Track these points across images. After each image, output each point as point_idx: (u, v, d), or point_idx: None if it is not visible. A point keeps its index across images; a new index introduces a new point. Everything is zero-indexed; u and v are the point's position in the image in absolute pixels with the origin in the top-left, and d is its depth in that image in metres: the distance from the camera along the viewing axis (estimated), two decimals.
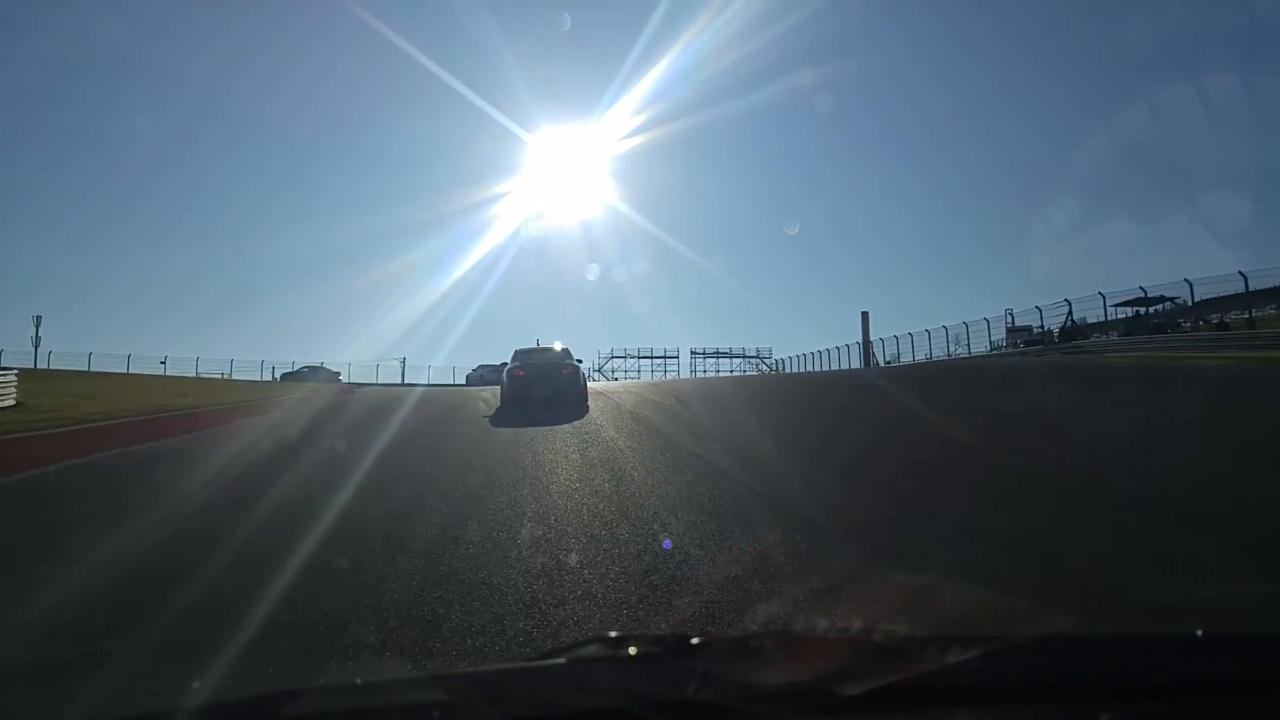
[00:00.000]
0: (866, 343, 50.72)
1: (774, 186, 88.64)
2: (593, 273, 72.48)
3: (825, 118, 79.38)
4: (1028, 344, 34.14)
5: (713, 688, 0.91)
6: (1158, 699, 0.97)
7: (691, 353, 70.63)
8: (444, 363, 55.40)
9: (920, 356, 46.22)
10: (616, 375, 67.27)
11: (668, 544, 3.45)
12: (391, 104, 73.31)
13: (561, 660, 1.03)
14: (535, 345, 19.11)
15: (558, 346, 15.92)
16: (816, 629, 1.07)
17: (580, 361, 15.28)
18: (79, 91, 68.83)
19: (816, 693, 0.89)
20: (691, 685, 0.91)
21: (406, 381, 51.38)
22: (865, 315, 53.11)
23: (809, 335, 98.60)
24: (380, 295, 78.03)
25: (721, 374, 65.95)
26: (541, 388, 13.57)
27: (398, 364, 55.06)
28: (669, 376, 65.31)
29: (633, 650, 0.99)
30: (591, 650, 1.03)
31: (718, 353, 71.10)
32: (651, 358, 70.40)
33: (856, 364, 49.11)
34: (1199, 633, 1.05)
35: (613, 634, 1.00)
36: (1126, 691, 0.96)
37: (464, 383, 39.18)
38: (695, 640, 0.99)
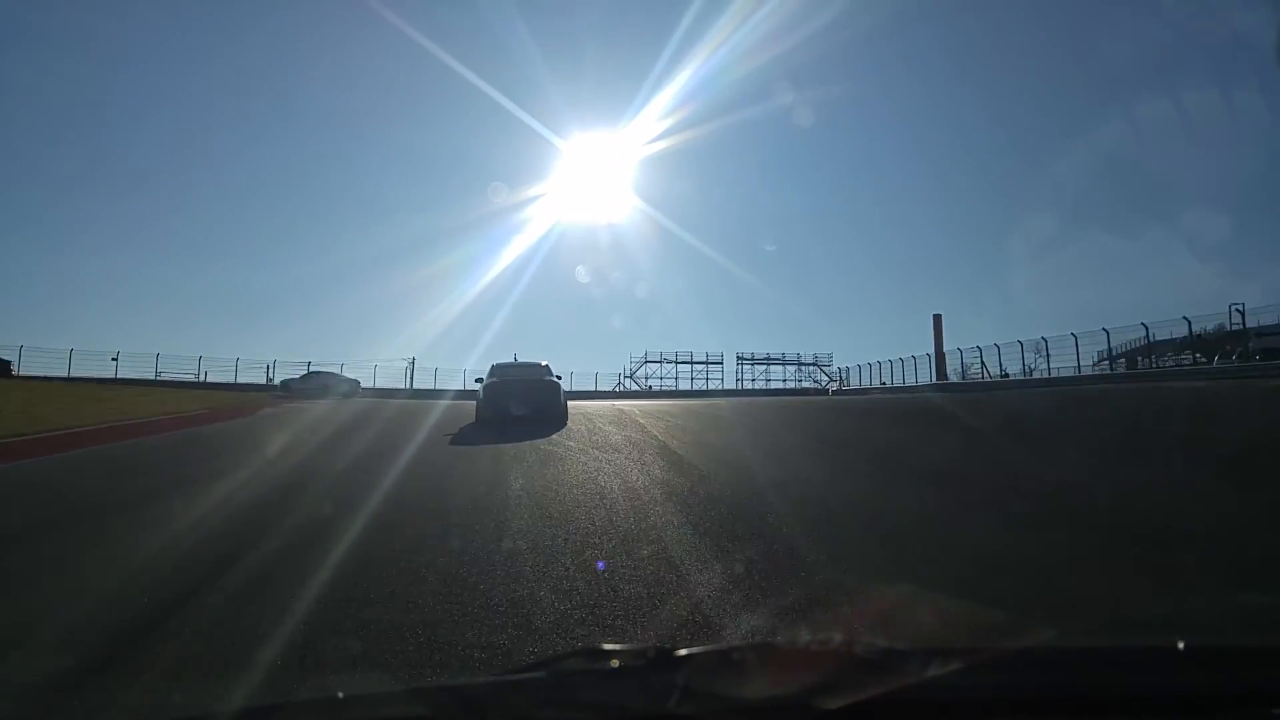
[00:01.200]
0: (939, 354, 46.52)
1: (818, 187, 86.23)
2: (622, 277, 70.38)
3: (870, 112, 77.36)
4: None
5: (694, 701, 0.91)
6: (1140, 712, 0.97)
7: (738, 358, 64.32)
8: (475, 366, 52.55)
9: (994, 371, 42.07)
10: (650, 383, 62.14)
11: (601, 565, 3.33)
12: (427, 110, 74.28)
13: (542, 674, 1.03)
14: (514, 360, 18.42)
15: (544, 363, 15.71)
16: (798, 641, 1.06)
17: (559, 378, 14.94)
18: (120, 92, 71.24)
19: (798, 706, 0.89)
20: (673, 698, 0.91)
21: (425, 386, 48.34)
22: (938, 320, 49.00)
23: (869, 340, 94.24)
24: (414, 299, 78.08)
25: (773, 384, 61.60)
26: (521, 404, 13.18)
27: (413, 367, 51.74)
28: (711, 385, 61.08)
29: (614, 663, 0.99)
30: (573, 663, 1.04)
31: (768, 359, 64.89)
32: (692, 363, 63.80)
33: (928, 377, 45.45)
34: (1180, 645, 1.04)
35: (594, 647, 1.01)
36: (1108, 704, 0.97)
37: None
38: (677, 653, 0.99)
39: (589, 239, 68.84)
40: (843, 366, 62.48)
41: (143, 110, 70.85)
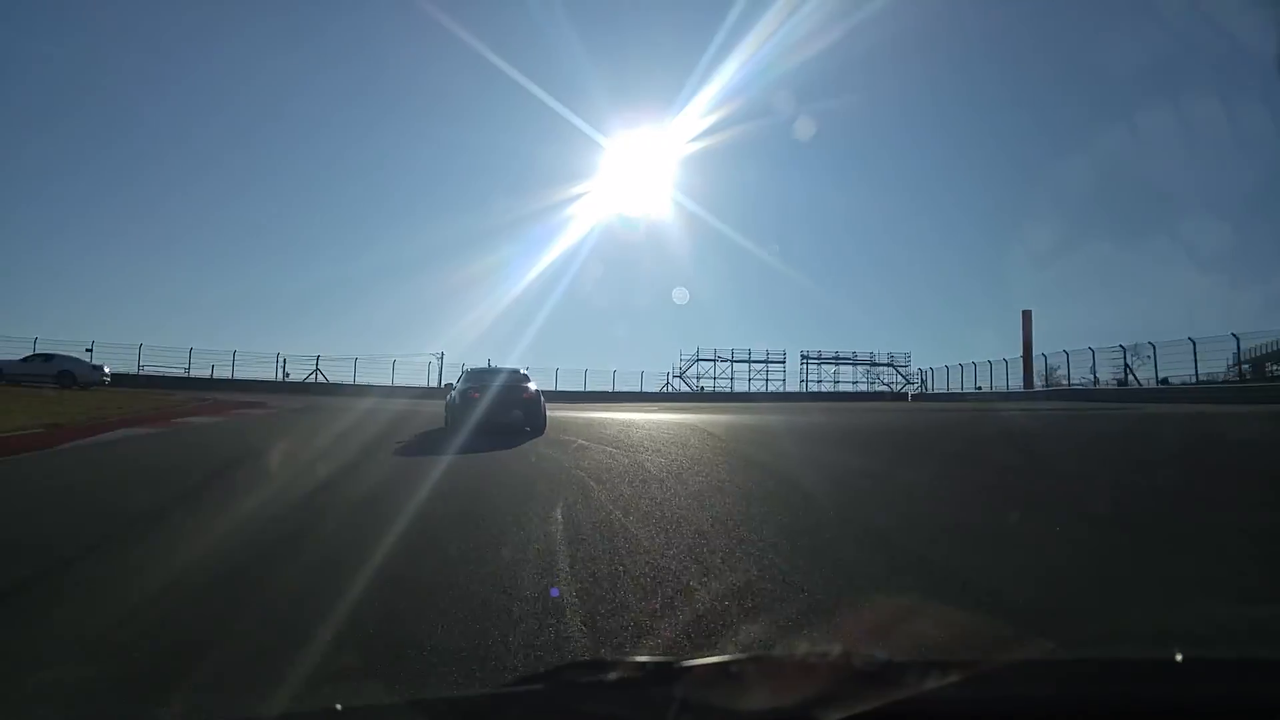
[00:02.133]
0: (1028, 356, 42.63)
1: (877, 182, 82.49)
2: (667, 274, 68.40)
3: (943, 103, 74.07)
4: None
5: (693, 713, 0.91)
6: None
7: (802, 357, 57.87)
8: (515, 364, 52.67)
9: (1080, 378, 38.45)
10: (701, 384, 56.29)
11: (555, 592, 3.22)
12: (470, 109, 74.32)
13: (540, 686, 1.04)
14: (488, 365, 17.92)
15: (522, 369, 15.18)
16: (796, 654, 1.06)
17: (539, 389, 14.16)
18: (171, 93, 70.27)
19: (797, 718, 0.89)
20: (671, 711, 0.91)
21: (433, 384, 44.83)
22: (1027, 317, 44.92)
23: (927, 339, 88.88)
24: (456, 299, 77.34)
25: (841, 387, 56.38)
26: (500, 412, 12.48)
27: (441, 363, 47.48)
28: (772, 386, 55.82)
29: (613, 675, 0.99)
30: (572, 675, 1.05)
31: (836, 358, 58.62)
32: (749, 362, 57.47)
33: (1016, 382, 42.26)
34: (1179, 657, 1.03)
35: (593, 659, 1.03)
36: (1106, 717, 0.96)
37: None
38: (676, 665, 1.00)
39: (634, 236, 67.42)
40: (921, 368, 56.84)
41: (191, 109, 71.38)
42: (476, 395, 12.75)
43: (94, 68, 66.94)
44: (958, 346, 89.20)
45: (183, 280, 72.39)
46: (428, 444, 10.34)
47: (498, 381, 13.49)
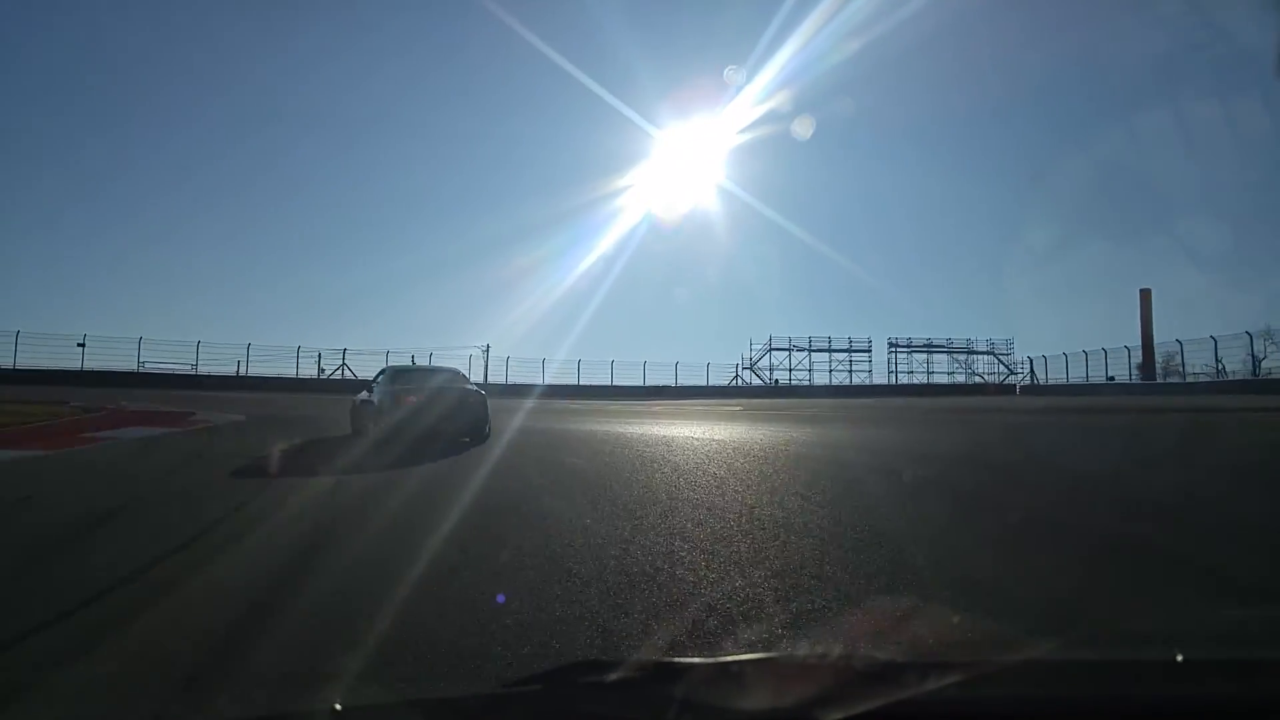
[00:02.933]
0: (1148, 342, 38.36)
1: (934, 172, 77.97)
2: (726, 265, 65.30)
3: (1024, 76, 69.60)
4: None
5: (692, 714, 0.91)
6: None
7: (890, 345, 51.87)
8: (566, 357, 46.20)
9: (1201, 367, 34.49)
10: (775, 376, 51.26)
11: (501, 598, 3.10)
12: (521, 100, 73.88)
13: (540, 686, 1.04)
14: (413, 364, 15.29)
15: (457, 368, 13.65)
16: (797, 654, 1.06)
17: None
18: (227, 94, 70.86)
19: (797, 718, 0.89)
20: (671, 711, 0.91)
21: (496, 380, 41.66)
22: (1145, 297, 40.75)
23: (1041, 323, 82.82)
24: (505, 292, 78.03)
25: (935, 378, 50.99)
26: (443, 420, 10.39)
27: (487, 357, 44.23)
28: (857, 378, 50.48)
29: (612, 676, 1.00)
30: (571, 675, 1.05)
31: (929, 346, 52.40)
32: (830, 351, 51.75)
33: (1124, 372, 38.24)
34: (1179, 658, 1.04)
35: (593, 659, 1.04)
36: (1107, 717, 0.96)
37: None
38: (675, 665, 1.01)
39: (691, 226, 65.42)
40: (1030, 356, 49.95)
41: (246, 107, 71.74)
42: (412, 399, 10.66)
43: (149, 64, 67.87)
44: (1057, 331, 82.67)
45: (240, 280, 71.59)
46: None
47: (437, 383, 11.68)
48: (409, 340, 72.73)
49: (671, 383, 47.22)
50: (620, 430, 12.95)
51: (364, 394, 12.34)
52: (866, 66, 55.78)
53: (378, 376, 12.62)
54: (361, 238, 77.06)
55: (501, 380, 44.34)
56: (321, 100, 71.72)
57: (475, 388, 11.98)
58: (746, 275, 67.06)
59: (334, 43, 68.95)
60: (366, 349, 43.74)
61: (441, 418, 10.41)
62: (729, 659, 1.04)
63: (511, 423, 14.19)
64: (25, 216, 63.86)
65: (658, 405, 28.63)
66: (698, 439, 10.92)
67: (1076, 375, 43.45)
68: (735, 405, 28.80)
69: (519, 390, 36.61)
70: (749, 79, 32.36)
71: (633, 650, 2.51)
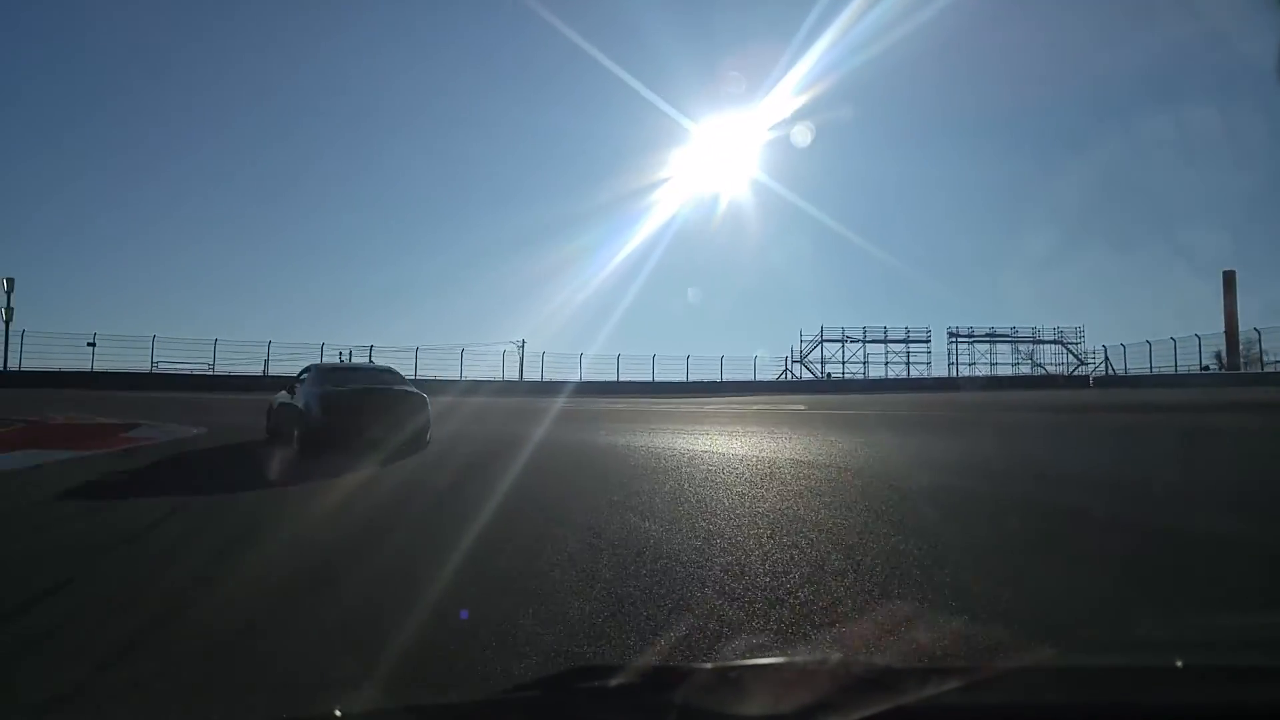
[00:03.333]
0: (1232, 330, 34.81)
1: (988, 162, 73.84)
2: (762, 259, 63.40)
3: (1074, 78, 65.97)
4: None
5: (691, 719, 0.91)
6: None
7: (950, 335, 48.53)
8: (601, 350, 43.96)
9: None
10: (828, 370, 48.65)
11: (464, 614, 3.01)
12: (553, 92, 72.42)
13: (538, 692, 1.04)
14: (342, 361, 13.63)
15: (390, 366, 12.83)
16: (795, 660, 1.05)
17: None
18: (260, 89, 70.16)
19: None
20: (670, 717, 0.91)
21: (533, 377, 40.19)
22: (1229, 280, 37.23)
23: (1108, 309, 78.30)
24: (538, 287, 76.28)
25: (999, 369, 47.76)
26: (378, 424, 9.34)
27: (523, 353, 41.94)
28: (915, 370, 47.78)
29: (611, 681, 0.99)
30: (570, 681, 1.05)
31: (991, 335, 49.03)
32: (886, 342, 48.55)
33: (1213, 363, 35.18)
34: (1179, 664, 1.04)
35: (591, 664, 1.05)
36: None
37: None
38: (674, 671, 1.02)
39: (727, 220, 63.59)
40: (1105, 345, 46.30)
41: (276, 103, 69.89)
42: (346, 400, 9.64)
43: (173, 58, 66.60)
44: (1122, 319, 78.67)
45: (265, 278, 70.31)
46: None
47: (371, 383, 10.70)
48: (439, 336, 72.01)
49: (716, 378, 45.15)
50: (685, 446, 9.74)
51: (284, 394, 11.07)
52: (909, 54, 53.76)
53: (301, 374, 11.24)
54: (392, 234, 75.50)
55: (537, 376, 42.52)
56: (354, 96, 71.52)
57: (415, 389, 10.76)
58: (789, 268, 65.83)
59: (365, 38, 67.29)
60: (393, 346, 41.72)
61: (376, 421, 9.37)
62: (729, 665, 1.04)
63: (532, 432, 11.89)
64: (36, 213, 63.34)
65: (711, 403, 26.38)
66: (820, 462, 7.83)
67: (1155, 365, 40.27)
68: (798, 402, 26.24)
69: (553, 388, 35.04)
70: (786, 70, 31.57)
71: None
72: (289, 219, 72.38)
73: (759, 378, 46.37)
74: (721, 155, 49.85)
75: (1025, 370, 48.19)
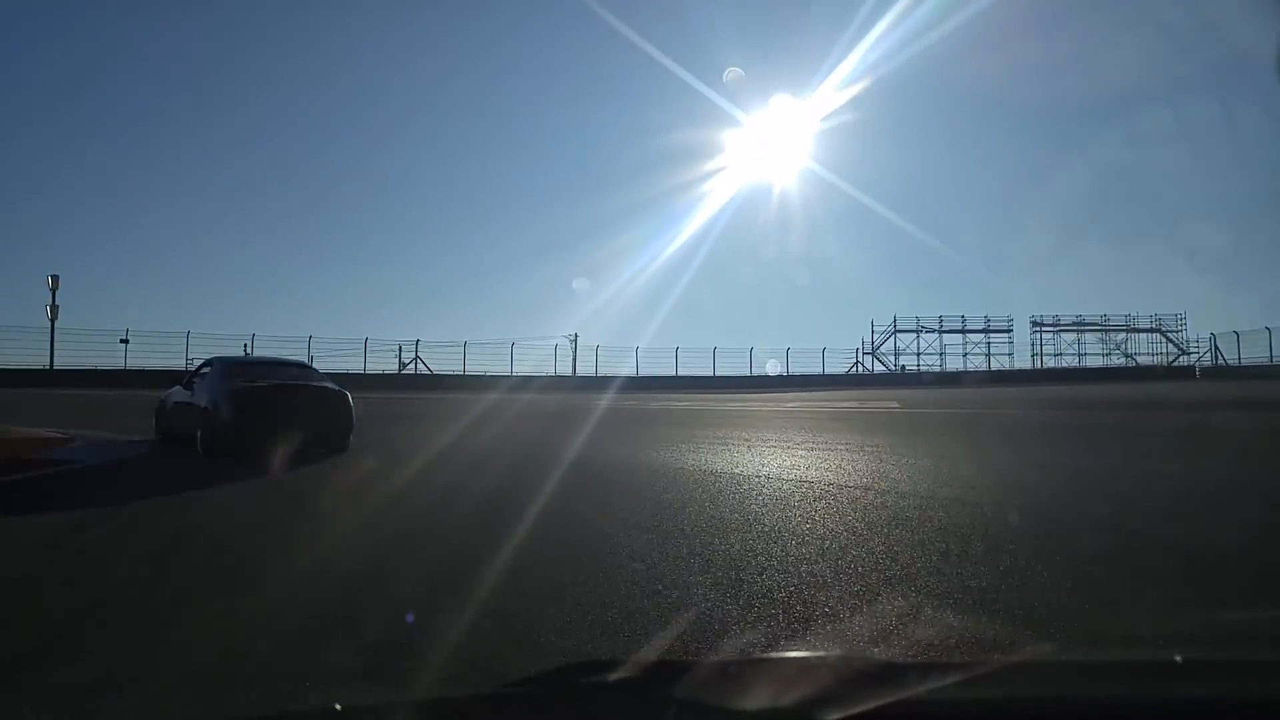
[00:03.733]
0: None
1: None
2: (816, 250, 60.09)
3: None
4: None
5: (692, 714, 0.92)
6: None
7: (1033, 324, 45.25)
8: (651, 344, 43.49)
9: None
10: (902, 362, 46.31)
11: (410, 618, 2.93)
12: (602, 84, 70.36)
13: (538, 687, 1.05)
14: (247, 355, 12.56)
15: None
16: (796, 655, 1.05)
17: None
18: (321, 88, 69.51)
19: (796, 718, 0.89)
20: (671, 712, 0.91)
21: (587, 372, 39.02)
22: None
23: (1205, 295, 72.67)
24: (597, 278, 72.16)
25: (1088, 361, 44.08)
26: (299, 423, 8.38)
27: (575, 346, 40.83)
28: (996, 362, 44.68)
29: (610, 676, 1.00)
30: (571, 675, 1.05)
31: (1079, 324, 45.38)
32: (964, 331, 45.61)
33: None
34: (1178, 658, 1.05)
35: (591, 659, 1.06)
36: (1106, 718, 0.97)
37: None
38: (673, 666, 1.02)
39: (784, 210, 62.00)
40: (1210, 334, 41.99)
41: (329, 98, 70.30)
42: (259, 397, 8.63)
43: (218, 48, 66.64)
44: (1231, 301, 71.75)
45: (306, 273, 69.49)
46: None
47: (291, 378, 9.71)
48: (488, 330, 71.19)
49: (782, 371, 43.22)
50: (779, 471, 6.73)
51: (178, 390, 10.02)
52: (970, 38, 50.57)
53: (201, 369, 10.16)
54: (438, 229, 74.34)
55: (591, 371, 41.23)
56: (404, 91, 70.77)
57: (334, 385, 9.71)
58: (850, 259, 62.50)
59: (417, 34, 67.63)
60: (440, 341, 40.76)
61: (294, 422, 8.31)
62: (729, 659, 1.06)
63: (567, 445, 9.13)
64: (67, 208, 62.74)
65: (787, 400, 23.79)
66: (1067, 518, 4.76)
67: (1255, 355, 36.30)
68: (883, 399, 23.21)
69: (606, 383, 33.12)
70: (841, 57, 30.29)
71: None
72: (331, 213, 72.10)
73: (828, 370, 44.56)
74: (775, 146, 47.94)
75: (1119, 361, 44.47)
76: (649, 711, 0.94)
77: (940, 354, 46.37)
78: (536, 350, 42.13)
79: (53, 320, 34.24)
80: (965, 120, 66.95)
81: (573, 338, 41.12)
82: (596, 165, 73.42)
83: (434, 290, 70.95)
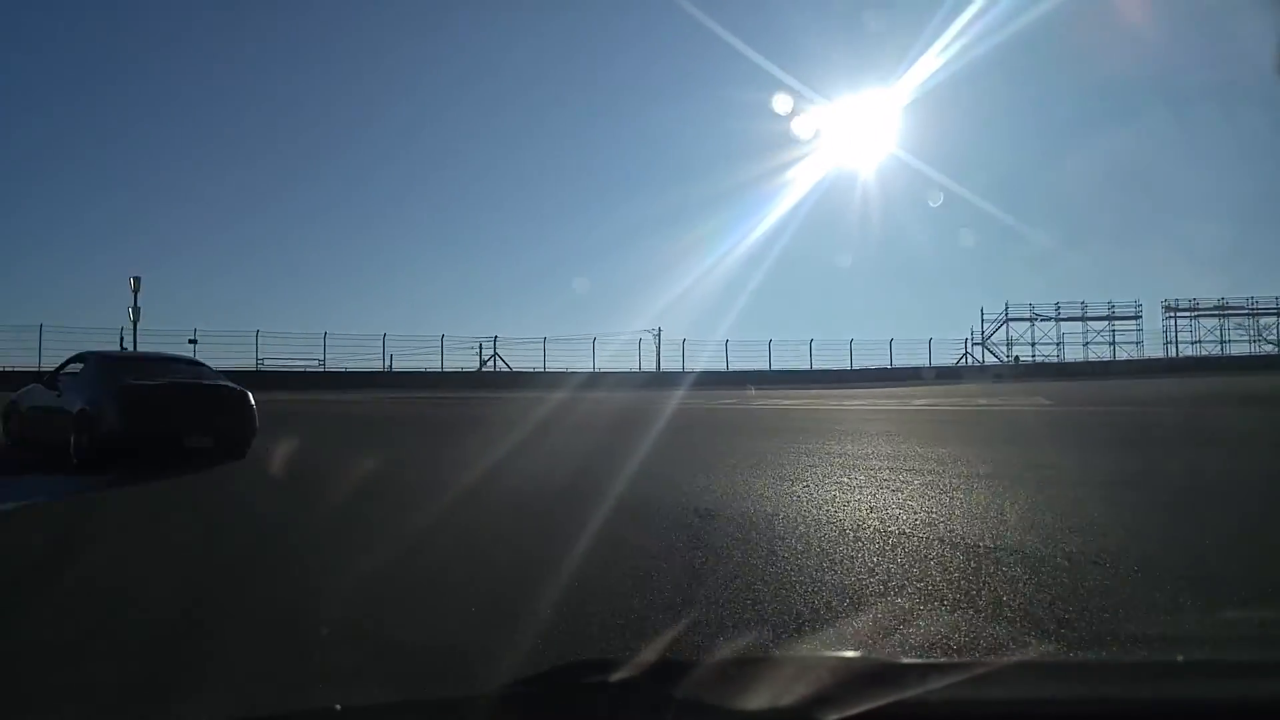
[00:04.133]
0: None
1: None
2: (907, 238, 58.55)
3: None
4: None
5: (693, 714, 0.91)
6: None
7: (1165, 309, 41.65)
8: (747, 335, 41.52)
9: None
10: (1014, 353, 43.12)
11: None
12: (684, 74, 73.11)
13: (539, 687, 1.04)
14: (123, 350, 11.25)
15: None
16: (796, 655, 1.03)
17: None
18: (408, 84, 72.30)
19: (796, 718, 0.89)
20: (671, 712, 0.91)
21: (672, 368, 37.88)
22: None
23: None
24: (665, 273, 74.84)
25: (1232, 348, 40.17)
26: (197, 426, 7.65)
27: (659, 341, 39.81)
28: (1122, 351, 40.90)
29: (610, 676, 0.99)
30: (571, 675, 1.05)
31: (1222, 308, 41.28)
32: (1085, 319, 42.12)
33: None
34: (1180, 659, 1.07)
35: (591, 659, 1.06)
36: (1107, 718, 0.96)
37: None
38: (675, 665, 1.00)
39: (854, 199, 59.22)
40: None
41: (430, 100, 72.62)
42: (154, 398, 7.67)
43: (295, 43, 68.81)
44: None
45: (379, 268, 70.24)
46: None
47: (183, 376, 8.79)
48: (565, 327, 69.65)
49: (886, 364, 41.19)
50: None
51: (36, 389, 9.04)
52: (1066, 18, 46.71)
53: (68, 365, 9.14)
54: (516, 224, 75.14)
55: (676, 366, 40.02)
56: (489, 87, 72.32)
57: (234, 384, 8.74)
58: (945, 247, 61.47)
59: (502, 29, 69.55)
60: (518, 338, 40.53)
61: (191, 425, 7.62)
62: (729, 659, 1.06)
63: (662, 474, 6.95)
64: (153, 210, 63.89)
65: (921, 396, 20.85)
66: None
67: None
68: (1025, 395, 20.46)
69: (691, 379, 31.92)
70: (929, 43, 28.52)
71: None
72: (409, 208, 72.66)
73: (934, 361, 42.00)
74: (861, 132, 46.80)
75: (1269, 349, 40.09)
76: (649, 711, 0.94)
77: (1058, 343, 43.05)
78: (620, 345, 41.32)
79: (135, 322, 32.77)
80: (1065, 101, 62.35)
81: (656, 332, 40.35)
82: (676, 156, 73.88)
83: (507, 287, 70.94)
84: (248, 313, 72.55)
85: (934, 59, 29.18)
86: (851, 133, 46.22)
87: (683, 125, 74.67)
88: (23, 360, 31.71)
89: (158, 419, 7.53)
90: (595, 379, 33.39)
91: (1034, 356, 42.77)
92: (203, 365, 10.14)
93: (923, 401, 18.69)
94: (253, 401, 8.52)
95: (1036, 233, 61.56)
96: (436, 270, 70.32)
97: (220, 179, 70.11)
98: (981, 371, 39.74)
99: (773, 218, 40.91)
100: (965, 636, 2.41)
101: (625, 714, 0.96)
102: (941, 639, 2.40)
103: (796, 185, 45.09)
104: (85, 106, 63.17)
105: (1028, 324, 43.24)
